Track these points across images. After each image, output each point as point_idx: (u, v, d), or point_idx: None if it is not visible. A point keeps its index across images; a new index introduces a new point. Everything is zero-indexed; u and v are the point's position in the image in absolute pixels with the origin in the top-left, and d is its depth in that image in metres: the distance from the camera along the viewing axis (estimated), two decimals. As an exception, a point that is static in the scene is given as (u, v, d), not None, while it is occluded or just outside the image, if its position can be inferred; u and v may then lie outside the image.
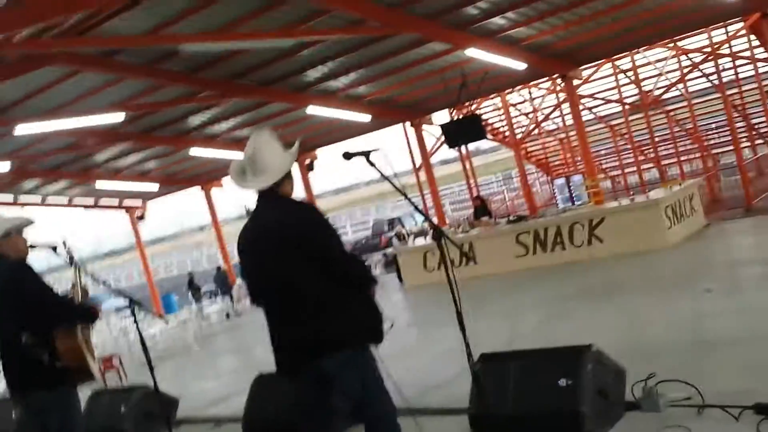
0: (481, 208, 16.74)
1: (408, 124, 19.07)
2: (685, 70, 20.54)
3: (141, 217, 23.17)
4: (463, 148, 20.27)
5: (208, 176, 21.20)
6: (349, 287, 3.66)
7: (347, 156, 3.66)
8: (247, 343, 13.33)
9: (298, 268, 3.58)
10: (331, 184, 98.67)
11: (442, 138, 17.03)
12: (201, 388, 9.87)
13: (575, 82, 16.31)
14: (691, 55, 19.97)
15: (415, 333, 10.13)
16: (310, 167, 19.41)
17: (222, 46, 11.23)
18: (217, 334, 15.99)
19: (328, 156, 19.55)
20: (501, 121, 23.93)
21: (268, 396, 6.05)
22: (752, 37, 18.51)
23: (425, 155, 18.84)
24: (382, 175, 3.73)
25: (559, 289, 10.53)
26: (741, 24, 17.58)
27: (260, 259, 3.71)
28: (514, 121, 23.38)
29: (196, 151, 17.62)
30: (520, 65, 14.14)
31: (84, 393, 5.52)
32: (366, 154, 3.63)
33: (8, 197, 20.00)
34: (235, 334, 15.63)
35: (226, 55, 12.17)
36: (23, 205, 20.45)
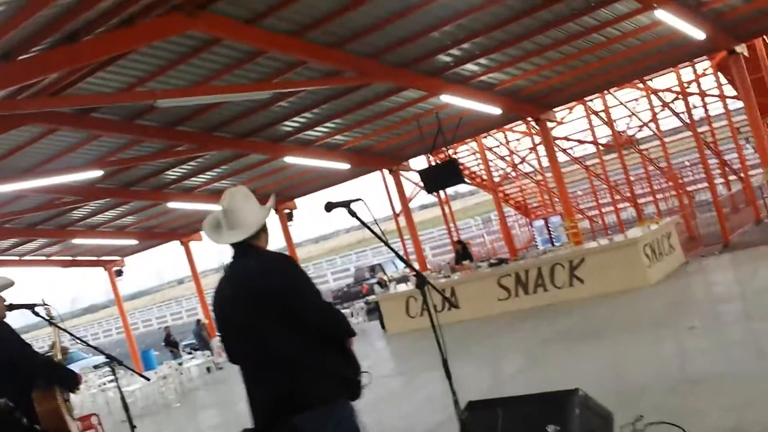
0: (462, 252, 16.78)
1: (386, 170, 19.21)
2: (657, 109, 20.94)
3: (119, 273, 22.95)
4: (441, 192, 20.40)
5: (186, 229, 21.10)
6: (324, 341, 3.58)
7: (329, 207, 3.65)
8: (229, 397, 13.12)
9: (271, 322, 3.50)
10: (311, 232, 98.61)
11: (421, 183, 17.13)
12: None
13: (549, 124, 16.54)
14: (661, 95, 20.38)
15: (399, 380, 10.05)
16: (290, 217, 19.41)
17: (198, 100, 11.27)
18: (198, 389, 15.74)
19: (307, 205, 19.61)
20: (478, 164, 24.19)
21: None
22: (720, 74, 18.96)
23: (404, 201, 18.93)
24: (363, 224, 3.72)
25: (543, 330, 10.53)
26: (708, 63, 18.01)
27: (233, 314, 3.65)
28: (491, 164, 23.64)
29: (174, 205, 17.57)
30: (495, 110, 14.34)
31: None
32: (347, 205, 3.63)
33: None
34: (216, 388, 15.39)
35: (202, 108, 12.21)
36: (-1, 263, 20.21)
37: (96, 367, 20.17)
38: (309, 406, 3.48)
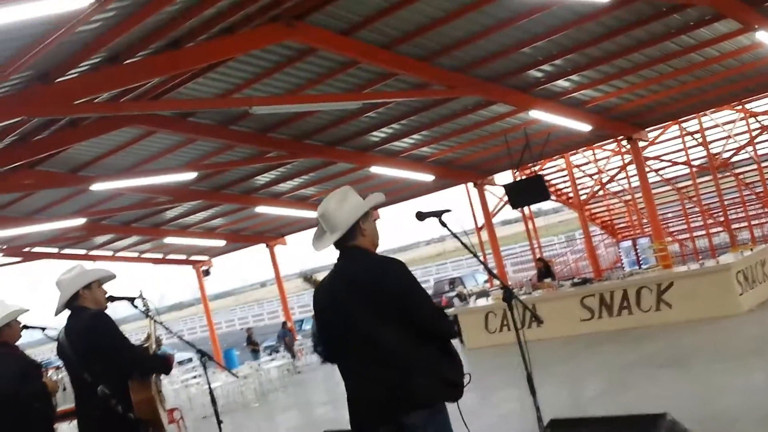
0: (544, 270, 16.54)
1: (471, 184, 19.14)
2: (754, 133, 20.15)
3: (207, 272, 23.62)
4: (525, 208, 20.17)
5: (272, 233, 21.57)
6: (433, 342, 3.59)
7: (420, 216, 3.68)
8: (308, 400, 13.32)
9: (384, 322, 3.53)
10: (392, 242, 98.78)
11: (505, 198, 16.99)
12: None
13: (641, 143, 16.17)
14: (760, 118, 19.60)
15: (478, 395, 9.97)
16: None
17: (291, 108, 11.57)
18: (277, 390, 16.00)
19: (390, 215, 19.69)
20: (565, 182, 23.78)
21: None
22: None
23: (488, 215, 18.81)
24: (454, 235, 3.73)
25: (627, 354, 10.27)
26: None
27: (341, 314, 3.68)
28: (578, 182, 23.20)
29: (261, 209, 18.00)
30: (585, 127, 14.13)
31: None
32: (438, 215, 3.65)
33: (80, 251, 20.69)
34: (295, 390, 15.63)
35: (294, 116, 12.52)
36: (95, 258, 21.09)
37: (180, 363, 20.79)
38: (417, 405, 3.51)
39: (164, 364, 4.92)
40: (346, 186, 3.88)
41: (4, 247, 18.57)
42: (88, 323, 4.61)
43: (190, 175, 14.22)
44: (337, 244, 3.72)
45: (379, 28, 9.77)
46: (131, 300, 4.99)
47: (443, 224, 3.66)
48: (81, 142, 11.91)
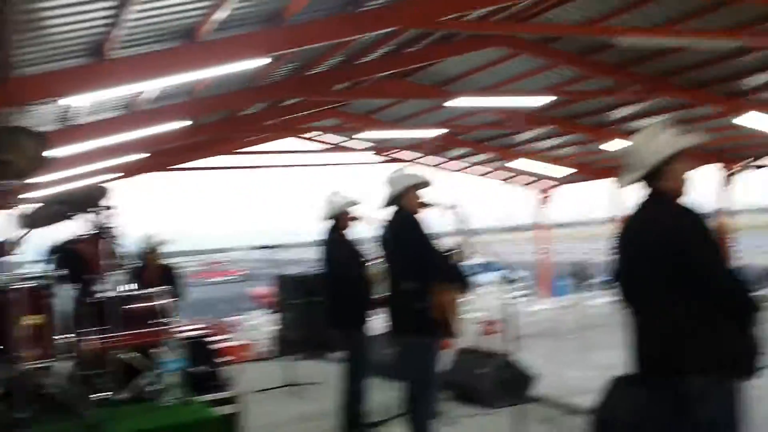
0: None
1: None
2: None
3: (547, 200, 23.83)
4: None
5: (617, 171, 20.87)
6: (721, 309, 3.33)
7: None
8: (625, 341, 12.99)
9: (666, 277, 3.38)
10: (754, 200, 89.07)
11: None
12: (564, 375, 9.98)
13: None
14: None
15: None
16: (731, 177, 18.00)
17: (657, 42, 10.96)
18: (598, 327, 15.75)
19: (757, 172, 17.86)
20: None
21: (622, 400, 5.92)
22: None
23: None
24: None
25: None
26: None
27: (629, 260, 3.63)
28: None
29: (611, 145, 17.49)
30: None
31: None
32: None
33: (433, 161, 22.18)
34: (616, 330, 15.25)
35: (658, 52, 11.85)
36: (446, 169, 22.50)
37: (502, 281, 21.46)
38: (697, 371, 3.35)
39: (458, 276, 5.24)
40: (664, 119, 3.65)
41: (374, 146, 20.68)
42: (400, 225, 5.08)
43: (545, 101, 14.32)
44: (645, 185, 3.57)
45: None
46: (444, 207, 5.32)
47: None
48: (448, 57, 12.66)
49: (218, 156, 19.64)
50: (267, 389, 9.34)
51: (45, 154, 4.49)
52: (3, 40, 6.60)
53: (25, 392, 3.96)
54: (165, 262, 8.83)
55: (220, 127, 15.74)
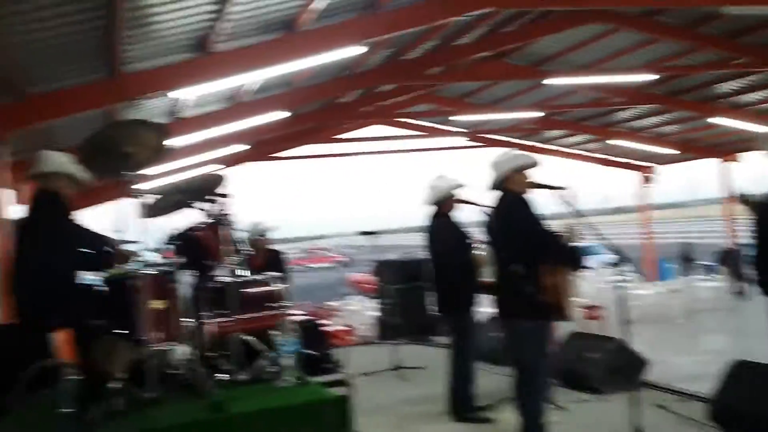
0: None
1: None
2: None
3: (651, 180, 23.06)
4: None
5: (727, 148, 19.99)
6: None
7: None
8: (742, 328, 12.50)
9: None
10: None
11: None
12: (674, 360, 9.73)
13: None
14: None
15: None
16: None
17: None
18: (708, 312, 15.23)
19: None
20: None
21: (747, 385, 5.68)
22: None
23: None
24: None
25: None
26: None
27: None
28: None
29: (717, 120, 16.75)
30: None
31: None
32: None
33: (532, 143, 21.79)
34: (729, 315, 14.73)
35: (769, 21, 11.26)
36: (544, 152, 22.06)
37: (609, 264, 20.87)
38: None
39: (573, 257, 5.14)
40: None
41: (470, 130, 20.52)
42: (508, 206, 5.03)
43: (647, 77, 13.85)
44: None
45: None
46: (554, 189, 5.24)
47: None
48: (544, 36, 12.41)
49: (316, 144, 19.97)
50: (373, 372, 9.47)
51: (165, 144, 4.69)
52: (115, 36, 6.92)
53: (153, 373, 4.17)
54: (273, 247, 9.06)
55: (318, 116, 16.03)
